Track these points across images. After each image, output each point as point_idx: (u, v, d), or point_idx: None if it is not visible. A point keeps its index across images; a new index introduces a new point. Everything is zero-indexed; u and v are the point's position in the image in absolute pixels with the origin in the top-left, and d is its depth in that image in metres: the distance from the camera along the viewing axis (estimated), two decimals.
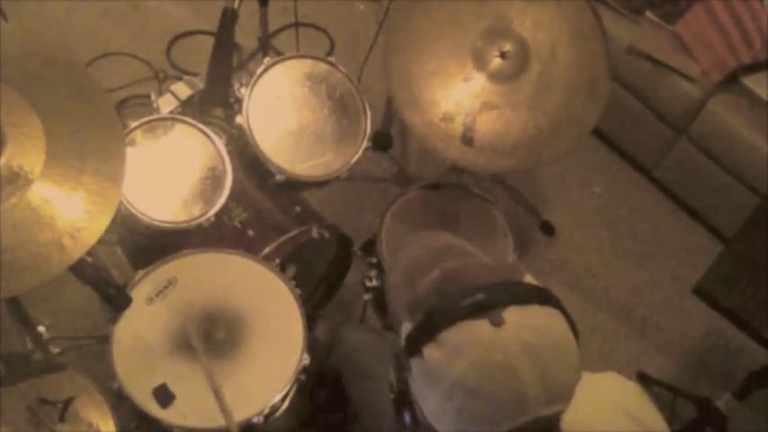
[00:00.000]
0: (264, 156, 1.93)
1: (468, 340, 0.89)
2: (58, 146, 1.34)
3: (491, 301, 0.90)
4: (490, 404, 0.88)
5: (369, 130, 2.04)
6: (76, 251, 1.31)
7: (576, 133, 1.89)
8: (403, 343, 0.95)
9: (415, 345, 0.92)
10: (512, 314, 0.90)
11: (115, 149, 1.41)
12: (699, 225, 2.81)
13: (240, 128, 1.94)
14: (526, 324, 0.90)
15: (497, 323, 0.88)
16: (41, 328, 2.00)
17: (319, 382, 1.76)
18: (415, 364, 0.93)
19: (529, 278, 0.99)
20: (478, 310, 0.89)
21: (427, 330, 0.91)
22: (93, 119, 1.41)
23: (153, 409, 1.55)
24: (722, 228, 2.72)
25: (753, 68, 2.50)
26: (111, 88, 2.63)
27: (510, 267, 1.01)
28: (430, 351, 0.90)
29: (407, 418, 0.98)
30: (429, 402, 0.92)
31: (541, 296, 0.95)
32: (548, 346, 0.91)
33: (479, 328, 0.89)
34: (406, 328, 0.96)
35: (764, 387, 1.99)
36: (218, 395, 1.55)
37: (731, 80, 2.51)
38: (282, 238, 1.93)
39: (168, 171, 1.87)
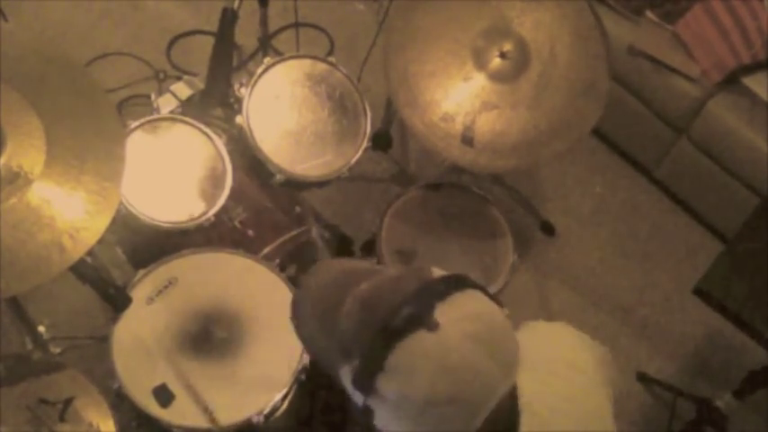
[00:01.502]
0: (264, 156, 1.93)
1: (417, 356, 0.88)
2: (58, 146, 1.34)
3: (418, 309, 0.89)
4: (464, 404, 0.88)
5: (369, 130, 2.04)
6: (76, 251, 1.31)
7: (576, 133, 1.89)
8: (351, 388, 0.93)
9: (365, 384, 0.90)
10: (441, 313, 0.89)
11: (115, 149, 1.41)
12: (699, 225, 2.81)
13: (240, 128, 1.94)
14: (459, 316, 0.90)
15: (434, 328, 0.88)
16: (41, 328, 2.00)
17: (319, 382, 1.76)
18: (373, 403, 0.91)
19: (436, 271, 0.97)
20: (411, 324, 0.88)
21: (371, 365, 0.89)
22: (93, 119, 1.41)
23: (153, 408, 1.55)
24: (722, 228, 2.72)
25: (753, 68, 2.49)
26: (111, 88, 2.63)
27: (415, 270, 0.97)
28: (383, 384, 0.89)
29: None
30: (403, 430, 0.91)
31: (455, 283, 0.94)
32: (486, 326, 0.91)
33: (421, 341, 0.87)
34: (346, 372, 0.93)
35: (764, 387, 1.99)
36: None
37: (731, 80, 2.51)
38: (282, 238, 1.93)
39: (168, 171, 1.87)
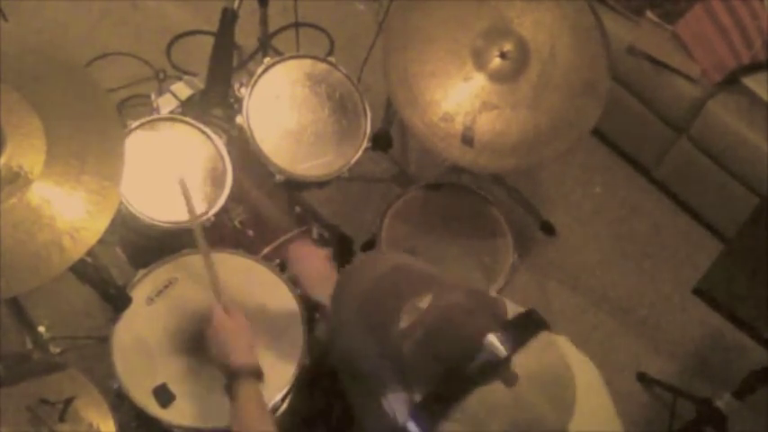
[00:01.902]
0: (264, 156, 1.93)
1: (489, 408, 0.86)
2: (58, 146, 1.34)
3: (496, 359, 0.87)
4: None
5: (369, 131, 2.04)
6: (76, 251, 1.31)
7: (576, 133, 1.89)
8: (406, 419, 0.90)
9: (428, 423, 0.88)
10: (519, 364, 0.87)
11: (115, 149, 1.41)
12: (699, 225, 2.81)
13: (240, 128, 1.94)
14: (535, 370, 0.89)
15: (512, 382, 0.86)
16: (41, 328, 2.00)
17: (319, 382, 1.76)
18: (438, 425, 0.88)
19: (507, 303, 0.96)
20: (487, 374, 0.86)
21: (438, 407, 0.87)
22: (93, 119, 1.41)
23: (153, 409, 1.55)
24: (722, 228, 2.72)
25: (753, 68, 2.50)
26: (111, 88, 2.63)
27: (483, 296, 0.95)
28: (448, 427, 0.87)
29: None
30: None
31: (531, 325, 0.92)
32: (555, 377, 0.91)
33: (496, 393, 0.86)
34: (401, 400, 0.91)
35: (764, 387, 1.99)
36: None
37: (731, 80, 2.51)
38: (282, 238, 1.93)
39: (168, 171, 1.87)
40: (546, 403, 0.88)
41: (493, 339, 0.88)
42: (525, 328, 0.91)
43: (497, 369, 0.86)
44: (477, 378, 0.86)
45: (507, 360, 0.87)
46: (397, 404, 0.91)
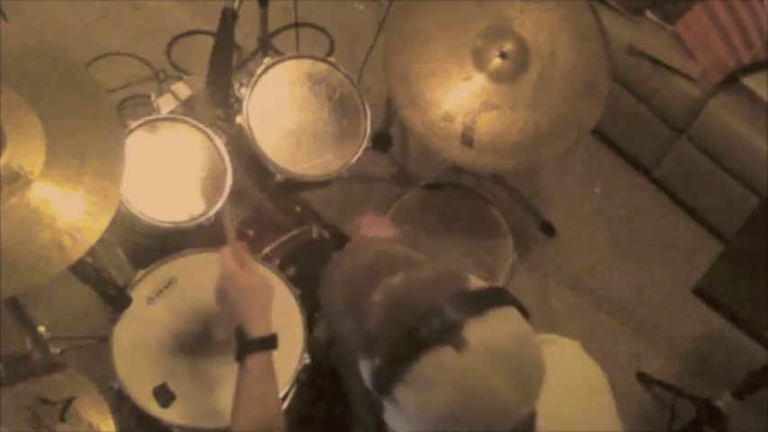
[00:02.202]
0: (264, 156, 1.93)
1: (437, 371, 0.87)
2: (58, 146, 1.34)
3: (448, 323, 0.87)
4: (477, 425, 0.87)
5: (369, 130, 2.04)
6: (76, 251, 1.31)
7: (576, 133, 1.89)
8: (369, 384, 0.93)
9: (383, 386, 0.90)
10: (472, 330, 0.87)
11: (115, 149, 1.41)
12: (699, 225, 2.81)
13: (240, 128, 1.94)
14: (489, 337, 0.88)
15: (460, 346, 0.86)
16: (41, 328, 2.00)
17: (319, 382, 1.76)
18: (387, 403, 0.91)
19: (475, 280, 0.96)
20: (438, 337, 0.87)
21: (392, 370, 0.89)
22: (93, 119, 1.41)
23: (153, 408, 1.55)
24: (722, 228, 2.72)
25: (753, 68, 2.50)
26: (111, 88, 2.63)
27: (453, 274, 0.96)
28: (401, 392, 0.88)
29: None
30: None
31: (493, 297, 0.93)
32: (513, 350, 0.89)
33: (445, 356, 0.86)
34: (366, 366, 0.93)
35: (764, 387, 1.99)
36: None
37: (731, 80, 2.51)
38: (282, 238, 1.93)
39: (168, 171, 1.87)
40: (499, 375, 0.87)
41: (448, 304, 0.89)
42: (485, 299, 0.92)
43: (447, 333, 0.87)
44: (429, 341, 0.87)
45: (458, 324, 0.87)
46: (364, 371, 0.94)
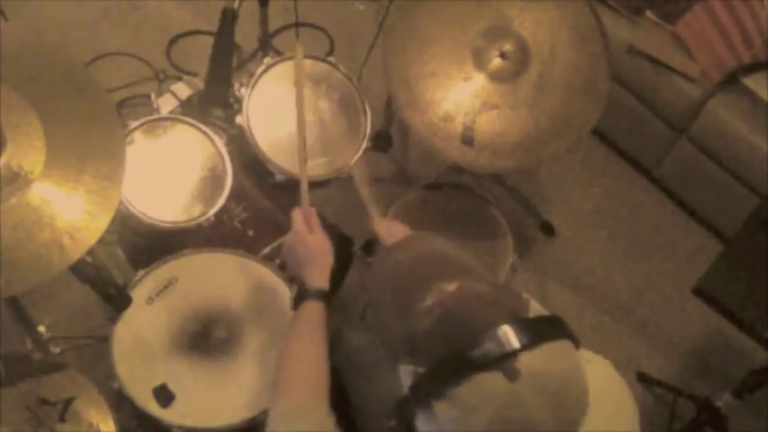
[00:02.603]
0: (264, 156, 1.93)
1: (484, 397, 0.86)
2: (58, 146, 1.34)
3: (503, 350, 0.86)
4: None
5: (369, 130, 2.04)
6: (76, 251, 1.31)
7: (576, 133, 1.89)
8: (407, 391, 0.91)
9: (423, 399, 0.89)
10: (525, 361, 0.86)
11: (115, 149, 1.41)
12: (699, 225, 2.81)
13: (240, 128, 1.94)
14: (541, 371, 0.87)
15: (513, 377, 0.85)
16: (41, 328, 2.00)
17: None
18: (423, 414, 0.89)
19: (533, 304, 0.94)
20: (490, 363, 0.85)
21: (437, 385, 0.87)
22: (93, 119, 1.41)
23: (153, 408, 1.55)
24: (722, 228, 2.72)
25: (753, 68, 2.50)
26: (111, 88, 2.63)
27: (511, 294, 0.94)
28: (441, 407, 0.87)
29: None
30: None
31: (550, 330, 0.91)
32: (562, 387, 0.89)
33: (494, 383, 0.85)
34: (408, 371, 0.92)
35: (764, 387, 1.99)
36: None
37: (731, 80, 2.51)
38: (282, 238, 1.92)
39: (168, 171, 1.87)
40: (544, 409, 0.86)
41: (506, 330, 0.87)
42: (543, 330, 0.90)
43: (501, 360, 0.86)
44: (479, 364, 0.85)
45: (513, 354, 0.86)
46: (405, 375, 0.92)
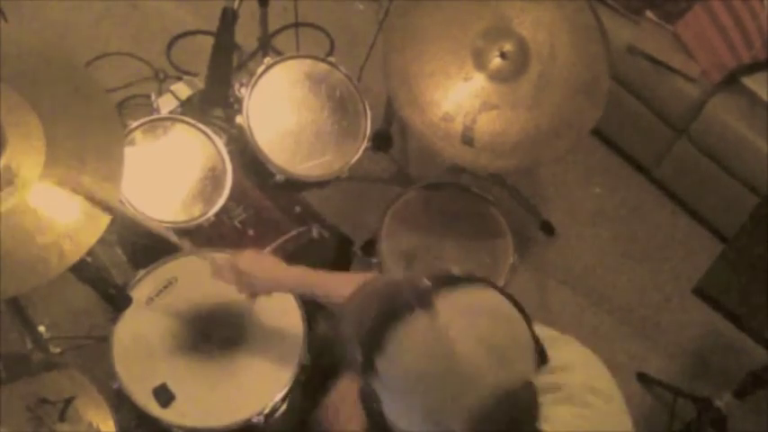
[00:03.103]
0: (264, 156, 1.93)
1: (409, 336, 0.90)
2: (58, 147, 1.34)
3: (419, 290, 0.92)
4: (450, 388, 0.89)
5: (369, 130, 2.04)
6: (75, 253, 1.31)
7: (576, 133, 1.89)
8: (359, 370, 0.96)
9: (367, 365, 0.93)
10: (444, 299, 0.91)
11: (114, 150, 1.41)
12: (699, 225, 2.81)
13: (240, 128, 1.94)
14: (457, 303, 0.91)
15: (429, 308, 0.90)
16: (41, 328, 2.00)
17: (319, 382, 1.76)
18: (376, 387, 0.94)
19: (456, 269, 0.99)
20: (409, 306, 0.90)
21: (370, 346, 0.92)
22: (92, 119, 1.41)
23: (153, 408, 1.55)
24: (722, 228, 2.72)
25: (753, 68, 2.49)
26: (111, 88, 2.63)
27: (435, 270, 1.00)
28: (380, 364, 0.91)
29: None
30: (396, 415, 0.93)
31: (469, 278, 0.96)
32: (486, 316, 0.92)
33: (415, 322, 0.90)
34: (357, 359, 0.96)
35: (764, 387, 1.99)
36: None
37: (731, 80, 2.50)
38: (282, 238, 1.93)
39: (168, 171, 1.87)
40: (469, 341, 0.89)
41: (421, 280, 0.93)
42: (461, 278, 0.95)
43: (419, 300, 0.91)
44: (400, 311, 0.91)
45: (429, 292, 0.91)
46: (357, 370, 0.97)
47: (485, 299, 0.95)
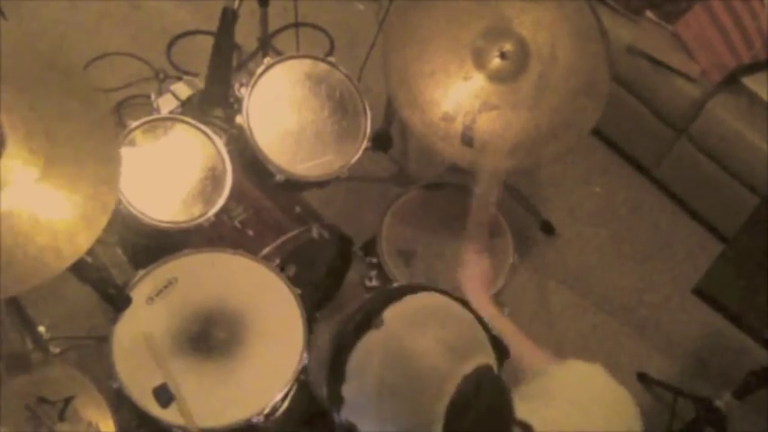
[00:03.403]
0: (264, 156, 1.93)
1: (366, 354, 0.91)
2: (57, 148, 1.34)
3: (365, 313, 0.93)
4: (416, 389, 0.89)
5: (369, 130, 2.04)
6: (73, 253, 1.31)
7: (576, 133, 1.89)
8: (329, 407, 0.96)
9: (334, 397, 0.93)
10: (389, 312, 0.92)
11: (111, 154, 1.41)
12: (699, 225, 2.81)
13: (240, 128, 1.94)
14: (404, 312, 0.93)
15: (378, 325, 0.91)
16: (41, 328, 2.00)
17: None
18: (347, 414, 0.93)
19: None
20: (360, 327, 0.92)
21: (334, 378, 0.93)
22: (90, 122, 1.41)
23: (153, 408, 1.55)
24: (722, 228, 2.72)
25: (753, 68, 2.49)
26: (111, 88, 2.63)
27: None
28: (346, 392, 0.92)
29: None
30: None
31: (411, 288, 0.97)
32: (433, 318, 0.93)
33: (369, 339, 0.91)
34: (326, 396, 0.97)
35: (764, 387, 1.99)
36: None
37: (731, 80, 2.51)
38: (282, 238, 1.93)
39: (168, 171, 1.87)
40: (417, 336, 0.90)
41: (368, 303, 0.95)
42: (402, 288, 0.96)
43: (368, 320, 0.92)
44: (353, 336, 0.92)
45: (377, 310, 0.92)
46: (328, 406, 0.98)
47: (430, 304, 0.96)
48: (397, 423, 0.90)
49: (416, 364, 0.89)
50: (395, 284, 1.01)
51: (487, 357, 0.94)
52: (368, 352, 0.91)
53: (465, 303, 0.98)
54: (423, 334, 0.90)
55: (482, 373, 0.91)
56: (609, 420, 1.06)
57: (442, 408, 0.88)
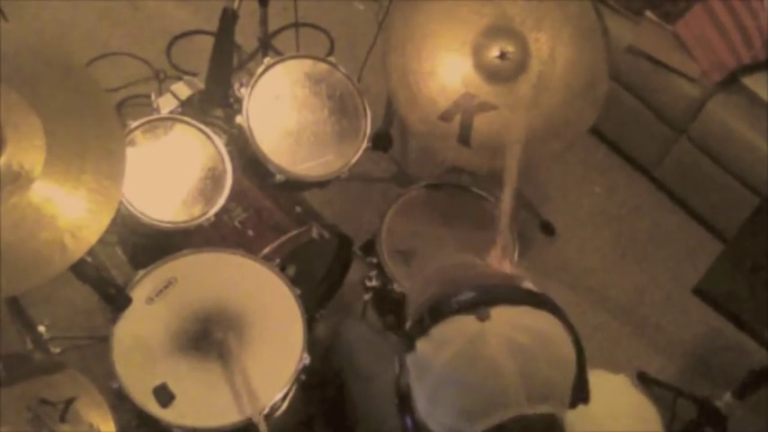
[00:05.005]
0: (264, 156, 1.93)
1: (454, 333, 0.92)
2: (59, 145, 1.34)
3: (481, 299, 0.93)
4: (470, 396, 0.90)
5: (369, 130, 2.04)
6: (78, 250, 1.31)
7: (573, 133, 1.89)
8: (405, 336, 0.98)
9: (410, 340, 0.95)
10: (500, 312, 0.92)
11: (115, 148, 1.41)
12: (699, 225, 2.81)
13: (240, 128, 1.94)
14: (513, 322, 0.92)
15: (483, 318, 0.91)
16: (41, 328, 2.00)
17: (319, 382, 1.76)
18: (409, 360, 0.96)
19: (528, 284, 1.00)
20: (468, 308, 0.92)
21: (420, 326, 0.94)
22: (93, 119, 1.41)
23: (153, 408, 1.55)
24: (722, 228, 2.72)
25: (753, 68, 2.49)
26: (111, 88, 2.63)
27: (510, 275, 1.04)
28: (421, 344, 0.94)
29: (409, 421, 0.99)
30: (420, 400, 0.95)
31: (536, 300, 0.96)
32: (534, 344, 0.92)
33: (466, 323, 0.92)
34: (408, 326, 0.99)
35: (764, 387, 1.99)
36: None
37: (731, 80, 2.51)
38: (282, 238, 1.92)
39: (168, 171, 1.87)
40: (507, 358, 0.89)
41: (489, 288, 0.96)
42: (526, 296, 0.97)
43: (477, 307, 0.93)
44: (456, 309, 0.93)
45: (490, 302, 0.93)
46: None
47: (540, 329, 0.95)
48: (443, 412, 0.92)
49: (490, 376, 0.89)
50: (526, 285, 1.01)
51: (558, 407, 0.93)
52: (458, 334, 0.92)
53: (577, 341, 0.97)
54: (515, 357, 0.90)
55: (538, 422, 0.90)
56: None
57: (481, 428, 0.88)
